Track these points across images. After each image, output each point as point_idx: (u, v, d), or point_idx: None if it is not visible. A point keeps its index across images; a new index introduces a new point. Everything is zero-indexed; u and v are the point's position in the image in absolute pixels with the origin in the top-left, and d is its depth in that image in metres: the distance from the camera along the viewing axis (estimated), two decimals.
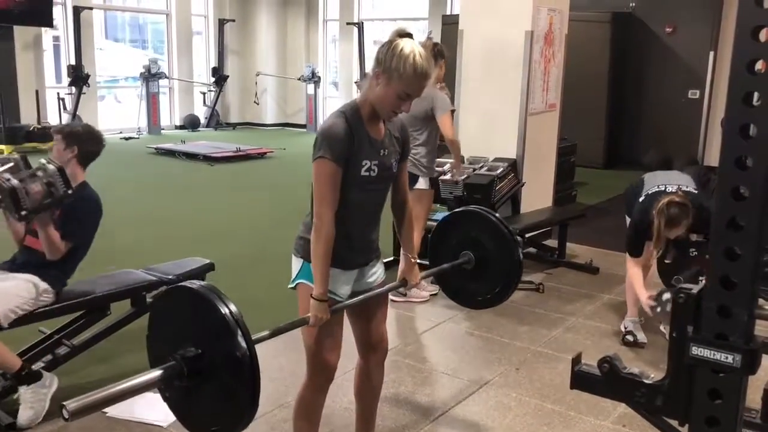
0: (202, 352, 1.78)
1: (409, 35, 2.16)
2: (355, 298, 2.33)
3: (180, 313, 1.89)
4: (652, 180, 3.88)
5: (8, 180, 2.74)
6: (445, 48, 4.43)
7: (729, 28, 8.85)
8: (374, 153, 2.20)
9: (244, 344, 1.74)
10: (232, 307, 1.77)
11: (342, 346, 2.35)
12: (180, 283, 1.97)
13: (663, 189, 3.69)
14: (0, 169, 2.79)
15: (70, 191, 2.87)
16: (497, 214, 2.74)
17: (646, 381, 1.39)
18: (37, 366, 3.02)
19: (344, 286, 2.29)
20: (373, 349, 2.49)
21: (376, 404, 2.63)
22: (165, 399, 1.93)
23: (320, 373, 2.32)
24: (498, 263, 2.67)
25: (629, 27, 10.19)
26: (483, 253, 2.68)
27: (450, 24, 10.09)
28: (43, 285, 2.96)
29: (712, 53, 9.50)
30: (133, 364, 3.46)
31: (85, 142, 3.11)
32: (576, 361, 1.51)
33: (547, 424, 3.00)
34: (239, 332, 1.74)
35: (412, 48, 2.10)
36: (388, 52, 2.10)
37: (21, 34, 10.89)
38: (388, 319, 2.53)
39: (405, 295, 4.34)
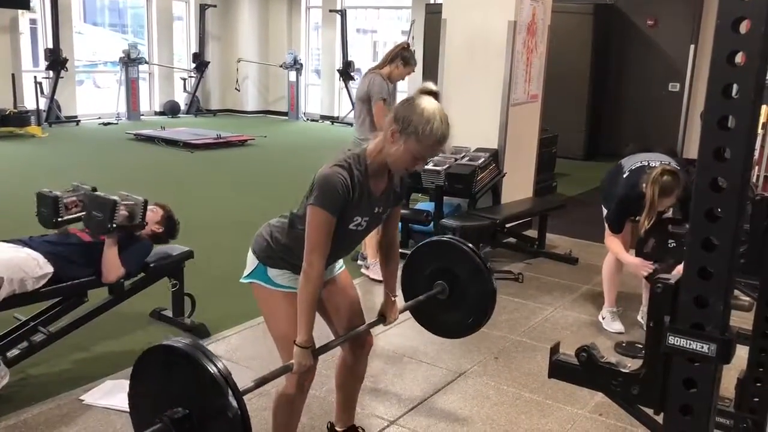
0: (190, 413, 1.73)
1: (435, 93, 2.11)
2: (338, 340, 2.39)
3: (165, 372, 1.82)
4: (631, 159, 3.88)
5: (108, 195, 3.18)
6: (414, 60, 4.80)
7: (709, 21, 8.92)
8: (369, 210, 2.18)
9: (234, 404, 1.68)
10: (220, 365, 1.71)
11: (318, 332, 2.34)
12: (164, 342, 1.85)
13: (646, 164, 3.71)
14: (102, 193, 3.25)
15: (145, 223, 3.36)
16: (470, 245, 2.68)
17: (623, 370, 1.40)
18: (12, 353, 2.99)
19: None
20: (357, 345, 2.49)
21: (358, 393, 2.64)
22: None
23: (300, 375, 2.26)
24: (472, 294, 2.62)
25: (611, 19, 10.24)
26: (457, 283, 2.63)
27: (434, 13, 10.06)
28: (48, 268, 3.00)
29: (692, 47, 9.58)
30: (109, 351, 3.44)
31: (170, 231, 3.58)
32: (554, 350, 1.52)
33: (525, 413, 3.03)
34: (229, 391, 1.69)
35: (434, 111, 2.03)
36: (410, 112, 2.04)
37: None
38: (366, 309, 2.54)
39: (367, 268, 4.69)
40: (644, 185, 3.52)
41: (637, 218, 3.67)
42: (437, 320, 2.75)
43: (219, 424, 1.72)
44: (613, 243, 3.81)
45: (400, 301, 2.59)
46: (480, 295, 2.62)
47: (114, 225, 3.13)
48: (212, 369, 1.70)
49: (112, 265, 3.19)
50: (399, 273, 2.58)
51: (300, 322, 2.12)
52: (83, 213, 3.27)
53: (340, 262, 2.47)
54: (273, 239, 2.24)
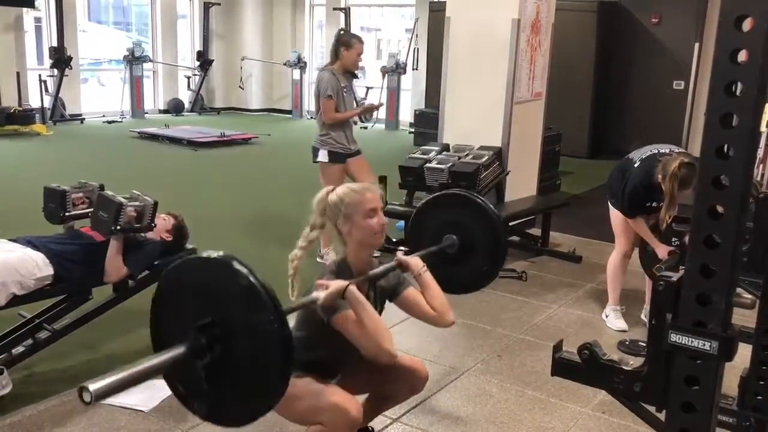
0: (225, 326, 1.61)
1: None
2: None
3: (197, 285, 1.69)
4: (640, 151, 3.87)
5: (114, 196, 3.12)
6: (354, 36, 4.86)
7: (714, 19, 8.89)
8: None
9: (275, 313, 1.57)
10: (258, 276, 1.61)
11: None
12: (196, 255, 1.81)
13: (656, 151, 3.71)
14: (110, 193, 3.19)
15: (153, 225, 3.28)
16: (478, 196, 2.70)
17: (625, 368, 1.40)
18: (17, 350, 3.00)
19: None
20: (413, 382, 2.44)
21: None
22: (172, 386, 1.73)
23: (339, 409, 2.12)
24: (483, 244, 2.61)
25: (615, 17, 10.21)
26: (467, 236, 2.62)
27: (437, 11, 10.07)
28: (48, 270, 2.98)
29: (697, 44, 9.56)
30: (114, 349, 3.45)
31: (179, 242, 3.50)
32: (557, 348, 1.52)
33: (528, 411, 3.03)
34: (269, 300, 1.57)
35: (342, 189, 2.23)
36: (330, 206, 2.21)
37: (1, 14, 10.72)
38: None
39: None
40: (659, 175, 3.51)
41: (652, 204, 3.66)
42: (448, 276, 2.67)
43: (258, 336, 1.59)
44: (639, 226, 3.77)
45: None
46: (491, 245, 2.61)
47: (119, 227, 3.10)
48: (252, 279, 1.59)
49: (114, 266, 3.17)
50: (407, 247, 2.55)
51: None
52: (90, 210, 3.26)
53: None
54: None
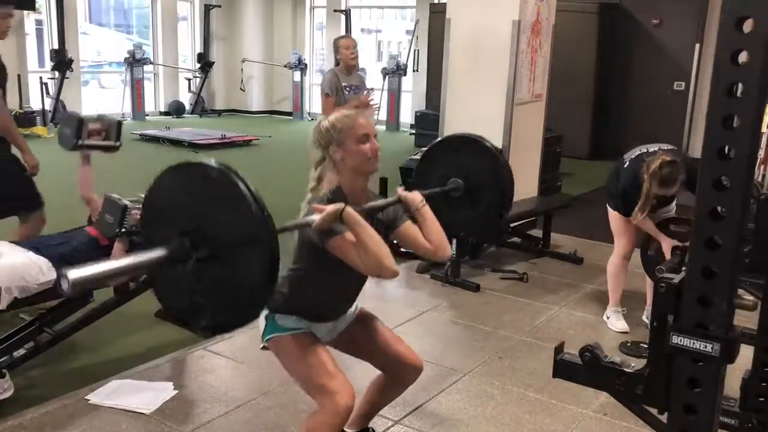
0: (210, 229, 1.63)
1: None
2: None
3: (187, 191, 1.73)
4: (631, 152, 3.89)
5: (120, 199, 3.12)
6: (341, 37, 5.17)
7: (714, 20, 8.89)
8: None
9: (261, 216, 1.59)
10: (249, 183, 1.64)
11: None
12: (190, 162, 1.81)
13: (645, 151, 3.73)
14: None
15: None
16: (484, 139, 2.70)
17: (627, 370, 1.40)
18: (17, 353, 3.00)
19: (321, 332, 2.30)
20: (406, 373, 2.43)
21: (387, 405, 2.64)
22: (157, 290, 1.75)
23: (334, 394, 2.13)
24: (488, 186, 2.62)
25: (616, 18, 10.21)
26: (472, 179, 2.62)
27: (437, 12, 10.07)
28: (52, 275, 2.96)
29: (697, 45, 9.56)
30: (115, 351, 3.45)
31: None
32: (558, 350, 1.52)
33: (529, 413, 3.02)
34: (256, 205, 1.59)
35: (334, 115, 2.20)
36: (322, 132, 2.18)
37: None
38: (370, 308, 2.53)
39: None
40: (644, 175, 3.52)
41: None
42: (455, 217, 2.69)
43: (245, 242, 1.62)
44: (643, 223, 3.73)
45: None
46: (497, 186, 2.63)
47: (124, 229, 3.09)
48: (242, 186, 1.61)
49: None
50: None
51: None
52: (104, 143, 3.25)
53: (352, 309, 2.43)
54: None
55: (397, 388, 2.51)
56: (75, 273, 1.47)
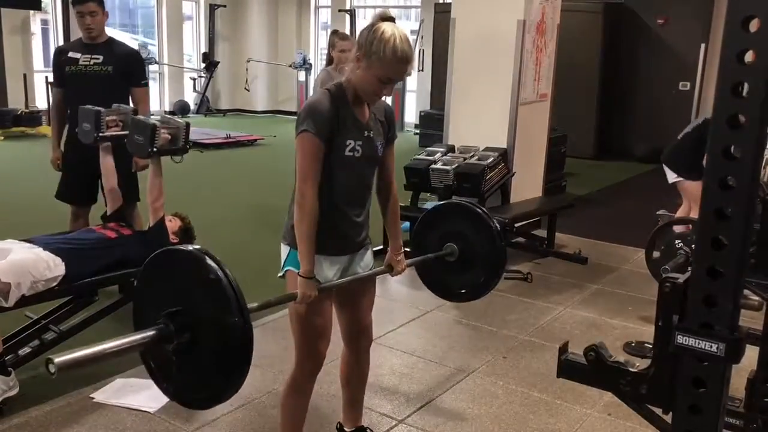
0: (194, 316, 1.73)
1: (392, 19, 2.15)
2: (343, 279, 2.29)
3: (172, 277, 1.81)
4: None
5: (148, 119, 2.99)
6: (336, 35, 5.08)
7: (720, 20, 8.86)
8: (359, 133, 2.18)
9: (239, 310, 1.69)
10: (228, 272, 1.71)
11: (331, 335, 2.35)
12: (173, 247, 1.93)
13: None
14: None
15: (189, 146, 3.18)
16: (481, 207, 2.76)
17: (632, 369, 1.39)
18: (23, 351, 3.01)
19: (331, 273, 2.26)
20: (358, 337, 2.50)
21: (363, 391, 2.64)
22: (147, 366, 1.86)
23: (309, 360, 2.31)
24: (482, 256, 2.68)
25: (621, 18, 10.19)
26: (467, 246, 2.69)
27: (442, 12, 10.06)
28: (59, 271, 2.96)
29: (703, 45, 9.53)
30: None
31: (188, 241, 3.44)
32: (563, 349, 1.51)
33: (533, 413, 3.02)
34: (235, 298, 1.69)
35: (393, 32, 2.07)
36: (369, 36, 2.08)
37: (9, 17, 10.77)
38: (375, 306, 2.53)
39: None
40: None
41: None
42: (444, 283, 2.82)
43: (223, 330, 1.72)
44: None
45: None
46: (490, 257, 2.68)
47: (155, 149, 3.03)
48: (220, 274, 1.70)
49: (158, 188, 3.20)
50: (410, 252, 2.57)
51: (301, 254, 2.13)
52: (123, 133, 3.19)
53: (369, 255, 2.40)
54: (291, 218, 2.24)
55: (355, 366, 2.55)
56: (61, 358, 1.54)
